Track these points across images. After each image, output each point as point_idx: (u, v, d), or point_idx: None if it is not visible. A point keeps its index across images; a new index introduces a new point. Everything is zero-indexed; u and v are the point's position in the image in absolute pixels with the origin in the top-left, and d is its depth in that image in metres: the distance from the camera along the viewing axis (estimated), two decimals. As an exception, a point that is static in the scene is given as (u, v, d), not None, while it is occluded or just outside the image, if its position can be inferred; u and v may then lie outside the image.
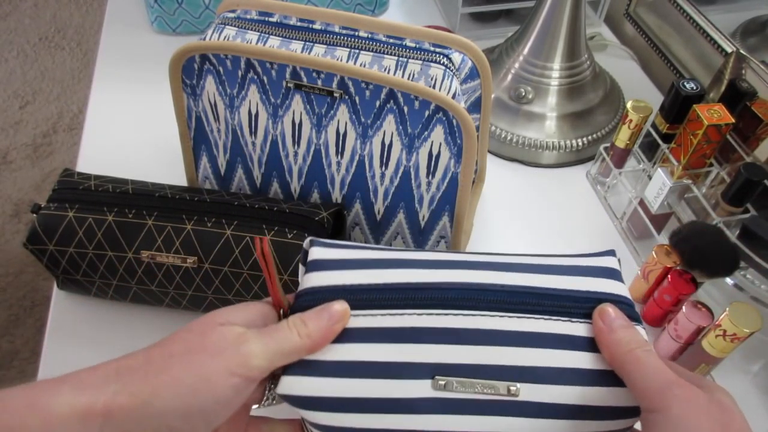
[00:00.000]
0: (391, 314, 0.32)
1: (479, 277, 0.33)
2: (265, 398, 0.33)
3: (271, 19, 0.47)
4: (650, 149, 0.62)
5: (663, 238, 0.56)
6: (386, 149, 0.48)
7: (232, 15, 0.48)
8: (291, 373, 0.31)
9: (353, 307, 0.32)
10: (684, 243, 0.51)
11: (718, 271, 0.50)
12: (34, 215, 0.47)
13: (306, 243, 0.35)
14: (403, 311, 0.32)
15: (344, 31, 0.46)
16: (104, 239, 0.46)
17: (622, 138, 0.61)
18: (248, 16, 0.47)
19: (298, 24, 0.47)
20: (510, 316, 0.32)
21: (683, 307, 0.48)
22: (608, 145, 0.64)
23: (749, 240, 0.51)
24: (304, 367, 0.31)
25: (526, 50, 0.67)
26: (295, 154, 0.50)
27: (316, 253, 0.34)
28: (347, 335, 0.31)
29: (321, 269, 0.33)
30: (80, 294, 0.51)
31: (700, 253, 0.50)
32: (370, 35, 0.46)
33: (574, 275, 0.34)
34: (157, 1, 0.76)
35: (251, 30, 0.47)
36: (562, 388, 0.31)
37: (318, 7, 0.47)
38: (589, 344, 0.32)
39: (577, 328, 0.32)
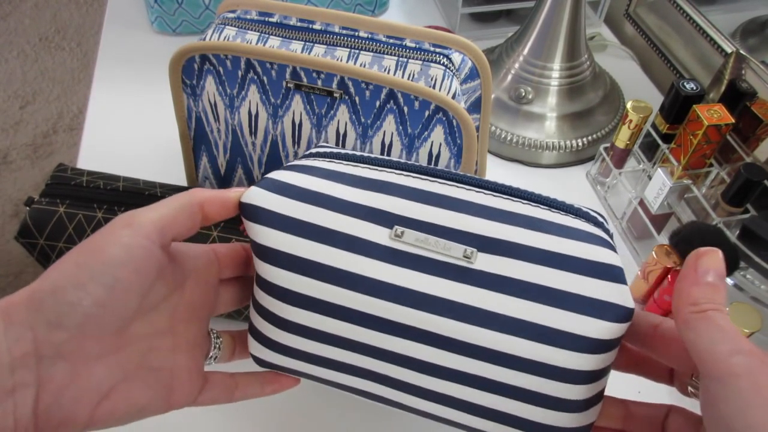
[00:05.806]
0: (369, 168, 0.33)
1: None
2: (212, 348, 0.34)
3: (271, 20, 0.47)
4: (650, 149, 0.62)
5: (663, 238, 0.56)
6: (386, 149, 0.48)
7: (232, 15, 0.48)
8: (259, 186, 0.32)
9: (337, 159, 0.34)
10: (684, 243, 0.51)
11: (718, 271, 0.50)
12: (27, 208, 0.47)
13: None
14: (381, 168, 0.33)
15: (344, 32, 0.46)
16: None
17: (622, 138, 0.61)
18: (248, 17, 0.47)
19: (298, 24, 0.47)
20: (486, 193, 0.32)
21: (683, 308, 0.48)
22: (608, 145, 0.64)
23: (749, 240, 0.51)
24: (273, 184, 0.32)
25: (526, 50, 0.67)
26: (296, 154, 0.50)
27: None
28: (323, 173, 0.33)
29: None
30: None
31: (700, 254, 0.50)
32: (370, 35, 0.46)
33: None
34: (157, 1, 0.76)
35: (251, 30, 0.47)
36: (524, 264, 0.30)
37: (318, 7, 0.47)
38: (564, 231, 0.31)
39: (554, 216, 0.31)
